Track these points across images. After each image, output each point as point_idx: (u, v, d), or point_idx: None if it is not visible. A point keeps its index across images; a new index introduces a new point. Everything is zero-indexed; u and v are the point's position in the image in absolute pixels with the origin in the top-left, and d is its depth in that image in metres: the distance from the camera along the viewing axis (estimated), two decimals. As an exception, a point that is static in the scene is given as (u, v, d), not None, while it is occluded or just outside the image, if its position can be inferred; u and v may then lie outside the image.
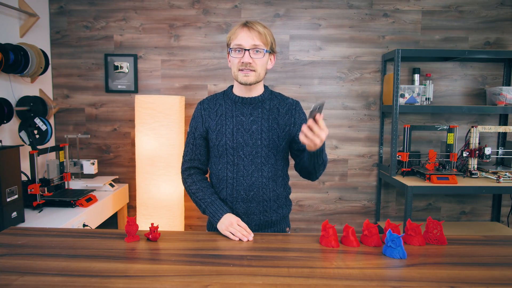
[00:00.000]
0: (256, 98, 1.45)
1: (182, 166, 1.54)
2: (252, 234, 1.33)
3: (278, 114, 1.46)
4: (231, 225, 1.34)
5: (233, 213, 1.44)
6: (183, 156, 1.53)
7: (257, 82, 1.41)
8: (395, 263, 1.10)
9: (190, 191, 1.49)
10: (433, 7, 2.86)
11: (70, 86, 2.94)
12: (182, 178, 1.53)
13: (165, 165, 2.53)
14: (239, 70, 1.38)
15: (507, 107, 2.62)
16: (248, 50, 1.35)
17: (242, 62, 1.36)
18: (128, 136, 2.97)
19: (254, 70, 1.37)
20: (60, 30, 2.90)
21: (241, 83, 1.40)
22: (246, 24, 1.37)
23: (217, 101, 1.48)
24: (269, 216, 1.47)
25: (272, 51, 1.43)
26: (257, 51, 1.36)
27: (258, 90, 1.46)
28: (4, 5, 2.28)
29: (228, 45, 1.42)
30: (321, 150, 1.34)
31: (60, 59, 2.92)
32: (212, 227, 1.54)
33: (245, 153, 1.42)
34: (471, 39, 2.89)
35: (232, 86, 1.51)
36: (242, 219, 1.44)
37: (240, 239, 1.31)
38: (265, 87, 1.50)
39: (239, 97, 1.45)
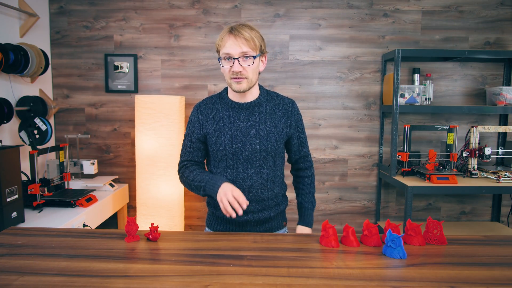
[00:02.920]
0: (252, 103, 1.44)
1: (178, 165, 1.51)
2: (247, 203, 1.29)
3: (275, 117, 1.45)
4: (225, 195, 1.28)
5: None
6: (180, 157, 1.52)
7: (250, 87, 1.39)
8: (395, 263, 1.10)
9: (188, 181, 1.43)
10: (433, 7, 2.86)
11: (70, 86, 2.94)
12: (179, 175, 1.50)
13: (165, 165, 2.53)
14: (231, 78, 1.36)
15: (507, 107, 2.62)
16: (237, 58, 1.33)
17: (233, 71, 1.34)
18: (128, 136, 2.97)
19: (246, 77, 1.36)
20: (60, 30, 2.90)
21: (235, 91, 1.39)
22: (232, 31, 1.34)
23: (214, 105, 1.47)
24: (267, 214, 1.49)
25: (262, 53, 1.40)
26: (246, 58, 1.34)
27: (253, 94, 1.45)
28: (4, 5, 2.28)
29: (217, 51, 1.41)
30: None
31: (60, 59, 2.92)
32: (211, 224, 1.55)
33: (244, 157, 1.42)
34: (471, 39, 2.89)
35: (227, 88, 1.49)
36: (241, 218, 1.44)
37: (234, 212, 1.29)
38: (261, 88, 1.49)
39: (235, 102, 1.44)
